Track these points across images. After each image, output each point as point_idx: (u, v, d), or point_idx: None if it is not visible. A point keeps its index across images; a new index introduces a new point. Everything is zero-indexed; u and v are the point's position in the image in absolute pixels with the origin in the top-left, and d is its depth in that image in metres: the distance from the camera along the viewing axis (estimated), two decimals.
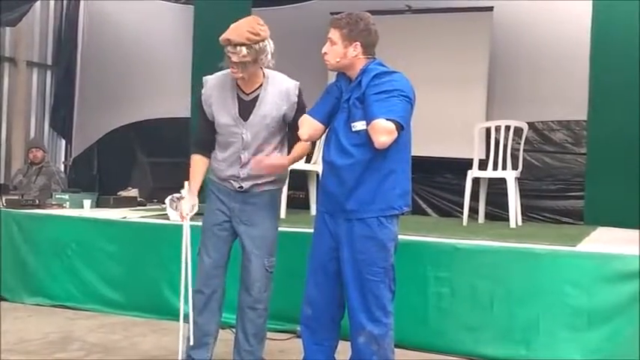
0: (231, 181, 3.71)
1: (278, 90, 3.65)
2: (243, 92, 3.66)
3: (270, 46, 3.55)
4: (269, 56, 3.56)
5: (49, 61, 10.01)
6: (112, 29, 9.66)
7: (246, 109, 3.64)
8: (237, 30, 3.49)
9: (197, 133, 3.84)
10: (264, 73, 3.66)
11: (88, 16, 9.98)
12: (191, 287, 3.75)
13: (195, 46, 7.06)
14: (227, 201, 3.74)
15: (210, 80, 3.74)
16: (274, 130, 3.67)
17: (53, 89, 10.03)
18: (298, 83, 3.71)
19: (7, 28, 8.95)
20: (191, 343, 3.73)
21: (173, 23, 9.02)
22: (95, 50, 9.81)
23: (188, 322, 3.83)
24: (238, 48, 3.46)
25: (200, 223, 3.87)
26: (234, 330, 3.88)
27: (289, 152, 3.77)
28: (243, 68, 3.52)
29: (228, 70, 3.66)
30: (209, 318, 3.78)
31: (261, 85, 3.65)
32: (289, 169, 3.96)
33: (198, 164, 3.77)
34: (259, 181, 3.69)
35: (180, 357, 3.75)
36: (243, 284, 3.76)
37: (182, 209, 3.75)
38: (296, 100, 3.66)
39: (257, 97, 3.64)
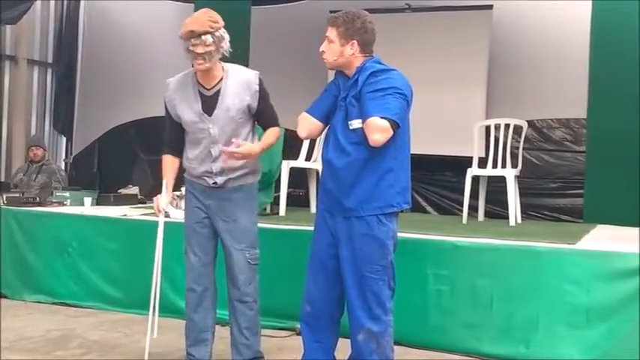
0: (205, 178, 3.73)
1: (238, 81, 3.67)
2: (205, 88, 3.69)
3: (226, 33, 3.62)
4: (227, 44, 3.61)
5: (50, 60, 10.02)
6: (113, 27, 9.67)
7: (209, 104, 3.67)
8: (198, 21, 3.56)
9: (165, 134, 3.86)
10: (223, 67, 3.69)
11: (88, 14, 10.00)
12: (157, 287, 3.83)
13: None
14: (203, 198, 3.77)
15: (172, 82, 3.79)
16: (241, 121, 3.69)
17: (54, 87, 10.04)
18: (258, 73, 3.74)
19: (8, 26, 8.95)
20: (154, 334, 3.74)
21: (173, 21, 8.97)
22: (96, 48, 9.82)
23: (185, 320, 3.86)
24: (203, 37, 3.51)
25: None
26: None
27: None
28: (209, 58, 3.55)
29: (188, 70, 3.73)
30: (204, 315, 3.81)
31: (221, 79, 3.67)
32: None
33: (169, 163, 3.82)
34: (233, 175, 3.71)
35: (146, 357, 3.76)
36: (229, 279, 3.79)
37: (158, 204, 3.77)
38: (257, 89, 3.67)
39: (218, 91, 3.67)
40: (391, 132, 3.24)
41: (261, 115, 3.74)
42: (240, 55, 3.71)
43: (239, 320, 3.78)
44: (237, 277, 3.73)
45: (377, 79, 3.31)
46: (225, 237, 3.74)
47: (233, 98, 3.65)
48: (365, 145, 3.28)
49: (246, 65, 4.14)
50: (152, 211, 5.83)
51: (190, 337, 3.84)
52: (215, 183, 3.72)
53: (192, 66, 3.68)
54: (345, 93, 3.41)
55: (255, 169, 3.83)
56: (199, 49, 3.52)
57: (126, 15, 9.58)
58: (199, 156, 3.73)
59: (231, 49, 3.65)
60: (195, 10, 7.07)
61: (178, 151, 3.83)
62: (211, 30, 3.52)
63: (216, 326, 3.93)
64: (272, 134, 3.76)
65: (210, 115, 3.66)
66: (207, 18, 3.55)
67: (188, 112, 3.69)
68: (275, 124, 3.77)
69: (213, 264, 3.84)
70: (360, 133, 3.30)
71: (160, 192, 3.81)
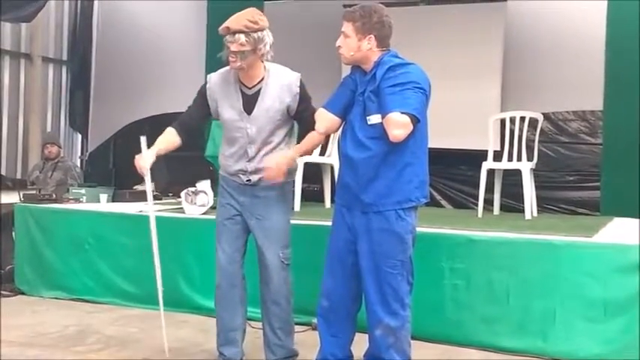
0: (240, 175, 3.73)
1: (279, 82, 3.66)
2: (246, 86, 3.68)
3: (269, 37, 3.59)
4: (267, 47, 3.58)
5: (65, 57, 10.08)
6: (127, 24, 9.71)
7: (249, 103, 3.66)
8: (236, 19, 3.54)
9: (184, 114, 3.85)
10: (265, 66, 3.67)
11: (102, 10, 10.03)
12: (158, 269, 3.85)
13: (208, 40, 7.08)
14: (237, 195, 3.76)
15: (214, 77, 3.77)
16: (279, 122, 3.68)
17: (69, 84, 10.10)
18: (299, 75, 3.72)
19: (23, 24, 9.02)
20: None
21: (187, 17, 9.04)
22: (110, 45, 9.86)
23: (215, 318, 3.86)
24: (237, 36, 3.50)
25: (209, 217, 3.88)
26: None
27: (298, 144, 3.78)
28: (242, 57, 3.54)
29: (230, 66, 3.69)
30: (232, 313, 3.79)
31: (262, 79, 3.66)
32: (302, 161, 3.93)
33: (170, 136, 3.76)
34: None
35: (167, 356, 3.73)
36: (262, 279, 3.77)
37: (140, 164, 3.64)
38: (298, 91, 3.66)
39: (259, 90, 3.66)
40: (411, 127, 3.23)
41: (301, 118, 3.71)
42: None
43: (272, 321, 3.77)
44: (270, 277, 3.72)
45: (395, 74, 3.29)
46: (258, 235, 3.73)
47: (273, 99, 3.64)
48: (384, 139, 3.27)
49: None
50: (167, 207, 5.90)
51: (220, 337, 3.83)
52: (249, 180, 3.71)
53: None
54: (362, 88, 3.40)
55: (292, 169, 3.79)
56: (233, 47, 3.52)
57: (139, 11, 9.60)
58: (236, 154, 3.72)
59: (272, 52, 3.61)
60: (208, 6, 7.16)
61: (184, 133, 3.79)
62: (246, 30, 3.49)
63: (251, 323, 3.93)
64: (312, 139, 3.65)
65: (249, 114, 3.65)
66: (247, 17, 3.53)
67: (228, 109, 3.69)
68: (314, 127, 3.65)
69: (242, 261, 3.83)
70: (379, 128, 3.28)
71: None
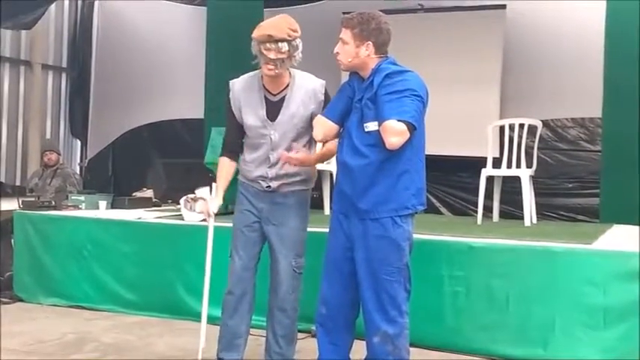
0: (260, 181, 3.72)
1: (305, 89, 3.66)
2: (270, 93, 3.67)
3: (301, 43, 3.60)
4: (300, 54, 3.59)
5: (64, 64, 10.09)
6: (126, 31, 9.71)
7: (273, 109, 3.65)
8: (277, 26, 3.52)
9: (227, 135, 3.84)
10: (290, 72, 3.67)
11: (102, 18, 10.04)
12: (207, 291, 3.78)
13: (208, 48, 7.08)
14: (255, 202, 3.75)
15: (237, 83, 3.75)
16: (302, 129, 3.68)
17: (68, 92, 10.11)
18: (324, 82, 3.72)
19: (23, 32, 9.04)
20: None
21: (186, 25, 9.05)
22: (109, 52, 9.86)
23: (220, 324, 3.85)
24: (280, 44, 3.48)
25: (224, 224, 3.88)
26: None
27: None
28: (280, 64, 3.53)
29: (254, 72, 3.69)
30: (239, 320, 3.78)
31: (287, 85, 3.66)
32: (316, 169, 3.94)
33: (225, 166, 3.78)
34: (287, 181, 3.70)
35: (199, 357, 3.75)
36: (272, 285, 3.77)
37: (208, 208, 3.75)
38: (323, 98, 3.67)
39: (284, 97, 3.65)
40: (408, 135, 3.23)
41: None
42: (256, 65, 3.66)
43: (275, 327, 3.76)
44: (280, 284, 3.72)
45: (393, 81, 3.29)
46: (274, 242, 3.73)
47: (298, 106, 3.64)
48: (381, 147, 3.27)
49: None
50: (166, 214, 5.90)
51: (223, 342, 3.81)
52: (269, 187, 3.70)
53: (258, 68, 3.64)
54: (360, 95, 3.39)
55: (310, 177, 3.81)
56: (272, 55, 3.50)
57: (139, 19, 9.61)
58: (257, 160, 3.71)
59: (301, 60, 3.62)
60: (208, 12, 7.17)
61: (236, 155, 3.82)
62: (289, 38, 3.50)
63: (252, 331, 3.92)
64: (332, 145, 3.68)
65: (273, 120, 3.65)
66: (287, 25, 3.53)
67: (252, 116, 3.67)
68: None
69: (255, 269, 3.82)
70: (376, 135, 3.28)
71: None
